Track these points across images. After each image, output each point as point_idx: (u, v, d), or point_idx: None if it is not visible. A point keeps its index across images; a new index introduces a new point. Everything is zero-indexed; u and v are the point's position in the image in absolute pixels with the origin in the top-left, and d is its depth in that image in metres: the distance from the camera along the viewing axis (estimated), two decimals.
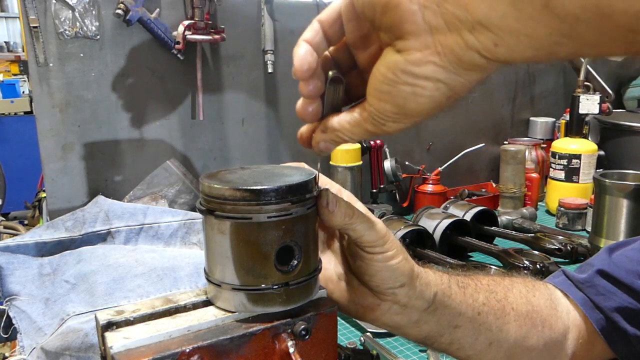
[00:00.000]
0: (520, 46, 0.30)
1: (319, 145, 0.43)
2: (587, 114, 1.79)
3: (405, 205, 1.80)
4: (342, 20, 0.40)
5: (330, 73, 0.42)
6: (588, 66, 1.84)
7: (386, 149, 1.73)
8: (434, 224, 1.40)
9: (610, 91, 1.92)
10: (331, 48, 0.43)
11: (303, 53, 0.40)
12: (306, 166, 0.52)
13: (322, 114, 0.43)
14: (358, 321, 1.07)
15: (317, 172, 0.48)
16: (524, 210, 1.71)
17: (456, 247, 1.43)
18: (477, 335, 0.55)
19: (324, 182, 0.52)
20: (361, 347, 0.98)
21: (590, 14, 0.27)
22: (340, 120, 0.41)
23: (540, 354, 0.61)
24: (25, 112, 4.54)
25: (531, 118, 2.11)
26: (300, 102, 0.43)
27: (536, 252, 1.31)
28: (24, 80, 4.89)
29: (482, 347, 0.56)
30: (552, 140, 1.96)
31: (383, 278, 0.49)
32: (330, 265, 0.53)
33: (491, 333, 0.56)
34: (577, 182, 1.74)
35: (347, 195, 0.51)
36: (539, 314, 0.61)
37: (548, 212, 1.85)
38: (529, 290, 0.63)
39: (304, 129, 0.45)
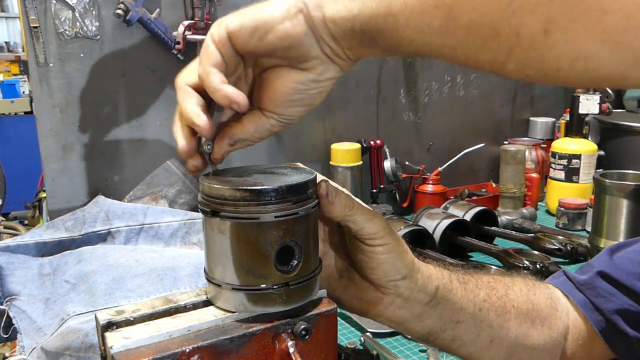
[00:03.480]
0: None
1: (223, 155, 0.49)
2: (587, 114, 1.79)
3: (405, 205, 1.80)
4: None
5: None
6: None
7: (386, 149, 1.73)
8: (434, 224, 1.40)
9: (610, 91, 1.91)
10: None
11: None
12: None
13: (215, 128, 0.47)
14: (359, 321, 1.07)
15: (301, 166, 0.50)
16: (524, 210, 1.71)
17: (456, 247, 1.43)
18: (478, 332, 0.55)
19: None
20: (361, 347, 0.98)
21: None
22: (245, 129, 0.48)
23: (541, 353, 0.61)
24: (26, 112, 4.53)
25: (531, 118, 2.11)
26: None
27: (536, 252, 1.31)
28: (24, 80, 4.88)
29: (484, 344, 0.56)
30: (552, 140, 1.96)
31: (385, 270, 0.49)
32: (332, 262, 0.54)
33: (492, 330, 0.56)
34: (577, 182, 1.74)
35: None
36: (539, 312, 0.61)
37: (548, 212, 1.85)
38: (530, 288, 0.63)
39: (186, 147, 0.51)
